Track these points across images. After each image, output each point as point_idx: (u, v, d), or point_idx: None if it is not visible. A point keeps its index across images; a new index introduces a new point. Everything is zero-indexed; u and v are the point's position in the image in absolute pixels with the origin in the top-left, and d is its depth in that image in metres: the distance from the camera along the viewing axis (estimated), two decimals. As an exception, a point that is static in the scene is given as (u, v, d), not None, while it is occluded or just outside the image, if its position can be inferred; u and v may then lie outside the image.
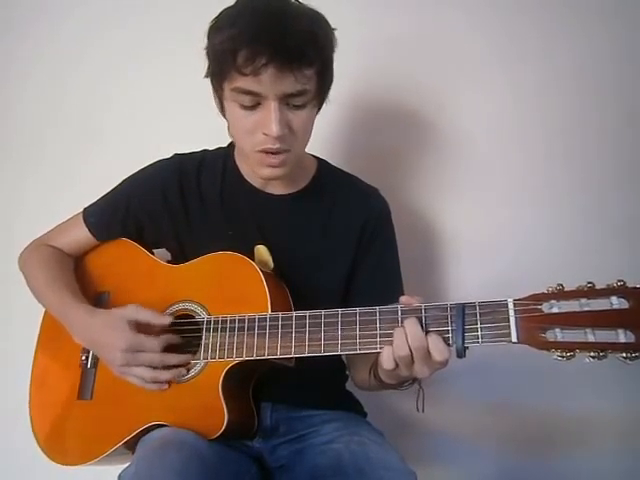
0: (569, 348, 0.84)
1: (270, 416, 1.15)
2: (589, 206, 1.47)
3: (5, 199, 1.76)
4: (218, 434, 1.02)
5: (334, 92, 1.12)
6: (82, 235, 1.26)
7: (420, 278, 1.46)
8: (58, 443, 1.18)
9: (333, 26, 1.05)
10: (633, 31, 1.48)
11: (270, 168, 1.08)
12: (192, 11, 1.60)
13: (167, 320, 1.09)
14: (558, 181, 1.48)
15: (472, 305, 0.90)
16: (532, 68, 1.50)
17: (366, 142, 1.55)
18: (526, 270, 1.42)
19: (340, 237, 1.20)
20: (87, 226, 1.25)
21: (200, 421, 1.03)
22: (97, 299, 1.22)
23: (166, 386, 1.08)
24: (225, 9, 1.05)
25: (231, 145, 1.23)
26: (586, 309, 0.84)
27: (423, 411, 1.03)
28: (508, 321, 0.88)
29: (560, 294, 0.86)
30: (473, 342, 0.89)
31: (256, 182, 1.20)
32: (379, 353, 0.95)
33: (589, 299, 0.84)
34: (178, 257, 1.21)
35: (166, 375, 1.07)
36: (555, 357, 0.85)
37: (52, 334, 1.23)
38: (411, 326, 0.92)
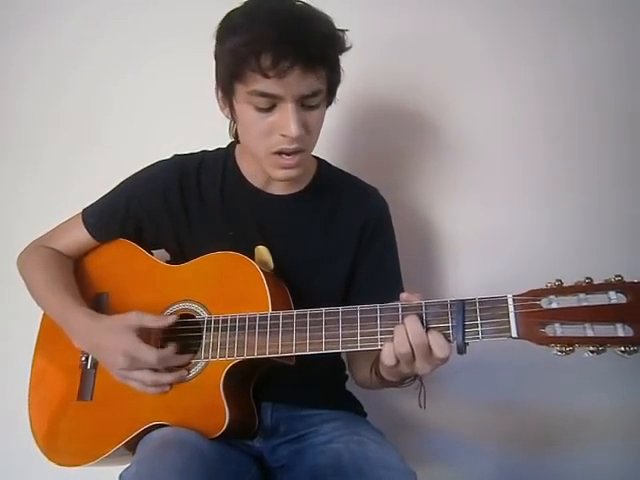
0: (568, 343, 0.84)
1: (270, 416, 1.15)
2: (589, 206, 1.47)
3: (4, 199, 1.76)
4: (219, 433, 1.02)
5: (334, 92, 1.12)
6: (81, 236, 1.26)
7: (420, 278, 1.46)
8: (57, 444, 1.17)
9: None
10: (633, 31, 1.48)
11: (284, 170, 1.08)
12: (192, 11, 1.62)
13: (171, 320, 1.09)
14: (558, 181, 1.48)
15: (472, 301, 0.91)
16: (532, 68, 1.50)
17: (366, 142, 1.55)
18: (526, 270, 1.41)
19: (340, 237, 1.20)
20: (86, 227, 1.25)
21: (201, 420, 1.03)
22: (96, 300, 1.22)
23: (167, 389, 1.08)
24: (234, 11, 1.04)
25: (231, 145, 1.24)
26: (585, 304, 0.85)
27: (425, 407, 1.04)
28: (508, 317, 0.88)
29: (559, 290, 0.87)
30: (473, 338, 0.90)
31: (256, 182, 1.20)
32: (380, 350, 0.95)
33: (587, 294, 0.85)
34: (178, 258, 1.21)
35: (167, 378, 1.07)
36: (555, 352, 0.85)
37: (51, 335, 1.23)
38: (412, 323, 0.92)
